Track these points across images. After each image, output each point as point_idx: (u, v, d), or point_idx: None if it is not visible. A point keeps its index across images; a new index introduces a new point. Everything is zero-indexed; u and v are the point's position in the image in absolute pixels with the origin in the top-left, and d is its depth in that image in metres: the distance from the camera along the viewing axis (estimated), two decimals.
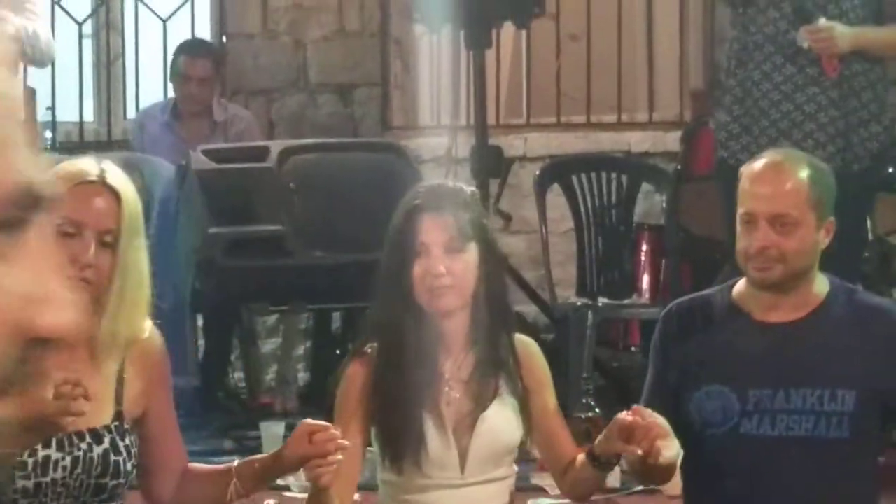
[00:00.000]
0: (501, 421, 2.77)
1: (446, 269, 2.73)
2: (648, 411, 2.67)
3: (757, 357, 2.91)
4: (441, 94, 6.61)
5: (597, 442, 2.76)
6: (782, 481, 2.86)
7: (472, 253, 2.77)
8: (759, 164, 2.94)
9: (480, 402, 2.77)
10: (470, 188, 2.92)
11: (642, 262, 5.58)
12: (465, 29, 5.17)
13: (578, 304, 5.10)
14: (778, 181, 2.88)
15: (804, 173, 2.90)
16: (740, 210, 2.91)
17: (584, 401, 4.13)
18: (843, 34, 4.09)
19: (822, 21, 4.08)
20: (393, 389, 2.75)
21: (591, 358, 4.91)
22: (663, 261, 5.45)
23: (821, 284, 2.96)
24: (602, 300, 5.18)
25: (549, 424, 2.84)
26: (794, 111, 4.17)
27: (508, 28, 5.61)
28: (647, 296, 5.50)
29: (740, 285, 2.98)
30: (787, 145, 4.16)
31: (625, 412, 2.67)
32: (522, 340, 2.89)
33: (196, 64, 5.84)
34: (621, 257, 5.48)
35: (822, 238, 2.93)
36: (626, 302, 5.33)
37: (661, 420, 2.65)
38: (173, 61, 5.94)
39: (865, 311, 2.97)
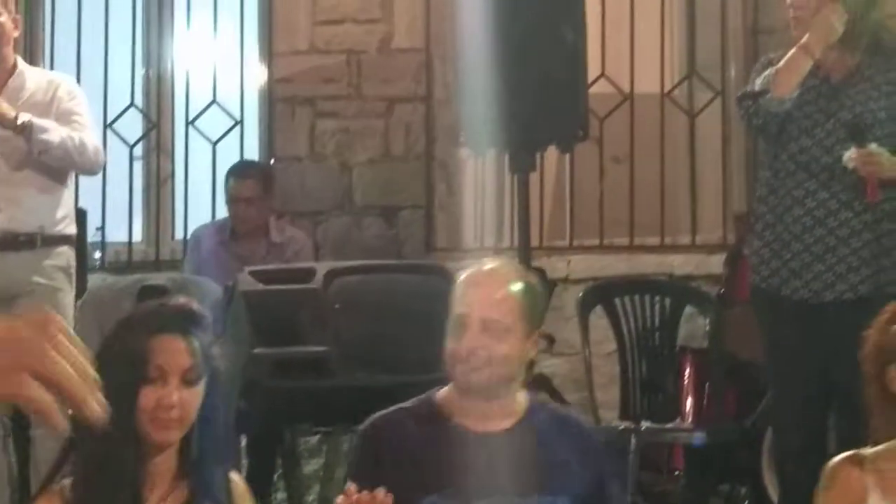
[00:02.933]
0: None
1: (179, 399, 2.48)
2: None
3: (477, 466, 2.84)
4: (485, 216, 6.67)
5: None
6: None
7: (202, 384, 2.54)
8: (475, 269, 2.98)
9: None
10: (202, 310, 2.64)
11: (685, 386, 5.55)
12: (510, 153, 5.22)
13: (621, 427, 5.07)
14: (493, 287, 2.92)
15: (517, 283, 2.94)
16: (454, 313, 2.93)
17: None
18: (892, 160, 4.13)
19: (874, 146, 4.12)
20: None
21: (635, 482, 4.87)
22: (707, 384, 5.43)
23: (522, 395, 2.98)
24: (645, 424, 5.15)
25: None
26: (826, 235, 4.19)
27: (552, 151, 5.66)
28: (690, 419, 5.47)
29: (447, 394, 2.95)
30: (821, 269, 4.18)
31: None
32: (236, 480, 2.66)
33: (243, 185, 5.94)
34: (664, 380, 5.46)
35: (529, 349, 2.97)
36: (669, 426, 5.30)
37: None
38: (225, 183, 6.04)
39: (562, 421, 2.99)
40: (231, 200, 5.96)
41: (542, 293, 3.05)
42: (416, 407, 2.96)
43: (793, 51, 4.16)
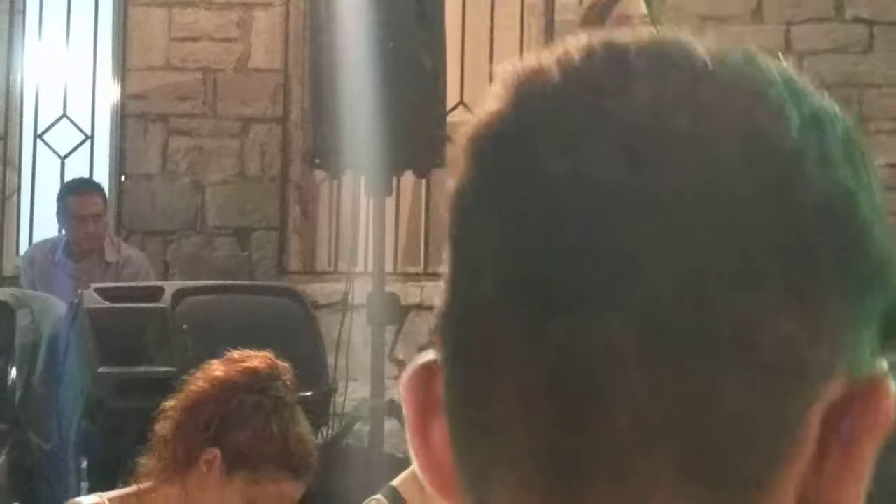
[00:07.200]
0: None
1: None
2: None
3: None
4: (340, 240, 6.63)
5: None
6: None
7: None
8: None
9: None
10: None
11: None
12: (366, 176, 5.20)
13: None
14: None
15: None
16: None
17: None
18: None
19: None
20: None
21: None
22: None
23: None
24: None
25: None
26: None
27: (409, 177, 5.66)
28: None
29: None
30: None
31: None
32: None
33: (88, 201, 5.82)
34: None
35: None
36: None
37: None
38: (61, 204, 5.90)
39: None
40: (75, 218, 5.83)
41: None
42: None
43: None
